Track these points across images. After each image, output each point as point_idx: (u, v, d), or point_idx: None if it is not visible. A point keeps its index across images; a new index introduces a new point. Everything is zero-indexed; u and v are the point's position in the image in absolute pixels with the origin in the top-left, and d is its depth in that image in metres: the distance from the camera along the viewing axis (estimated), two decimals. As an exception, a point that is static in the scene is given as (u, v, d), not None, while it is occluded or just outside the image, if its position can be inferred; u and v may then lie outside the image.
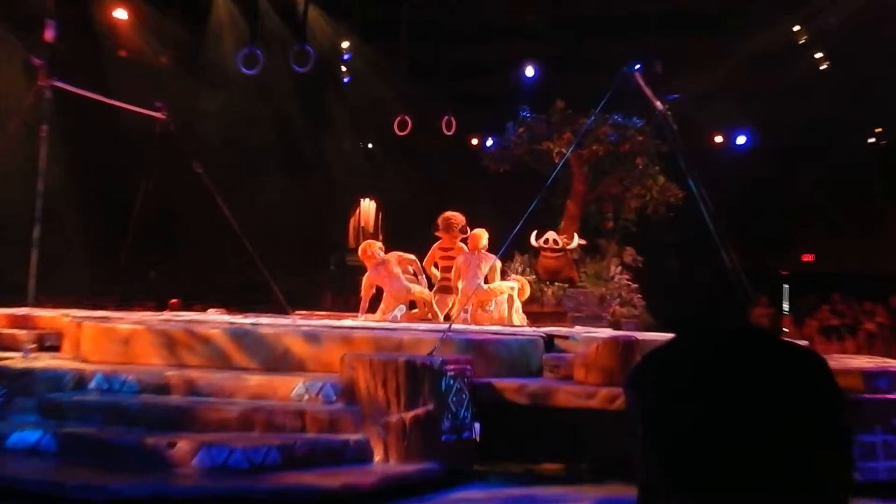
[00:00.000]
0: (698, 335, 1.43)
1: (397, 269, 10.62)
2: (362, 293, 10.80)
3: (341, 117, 19.52)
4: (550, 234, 14.26)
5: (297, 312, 11.75)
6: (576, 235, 14.34)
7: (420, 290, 10.77)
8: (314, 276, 18.99)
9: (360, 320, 10.30)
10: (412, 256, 10.99)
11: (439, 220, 11.51)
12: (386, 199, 20.14)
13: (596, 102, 10.35)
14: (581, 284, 14.54)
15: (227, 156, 16.75)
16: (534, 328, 9.41)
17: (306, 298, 14.92)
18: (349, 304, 14.42)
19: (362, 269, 11.03)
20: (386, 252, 10.89)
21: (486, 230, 10.85)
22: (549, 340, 8.23)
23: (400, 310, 10.52)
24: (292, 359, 7.78)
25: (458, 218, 11.46)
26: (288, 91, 18.01)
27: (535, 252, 14.61)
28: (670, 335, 1.49)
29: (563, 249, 14.25)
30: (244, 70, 14.92)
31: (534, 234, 14.06)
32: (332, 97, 19.13)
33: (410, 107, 16.73)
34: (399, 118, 16.29)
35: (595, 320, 13.37)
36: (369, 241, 11.50)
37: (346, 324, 9.18)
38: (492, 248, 10.55)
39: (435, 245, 11.52)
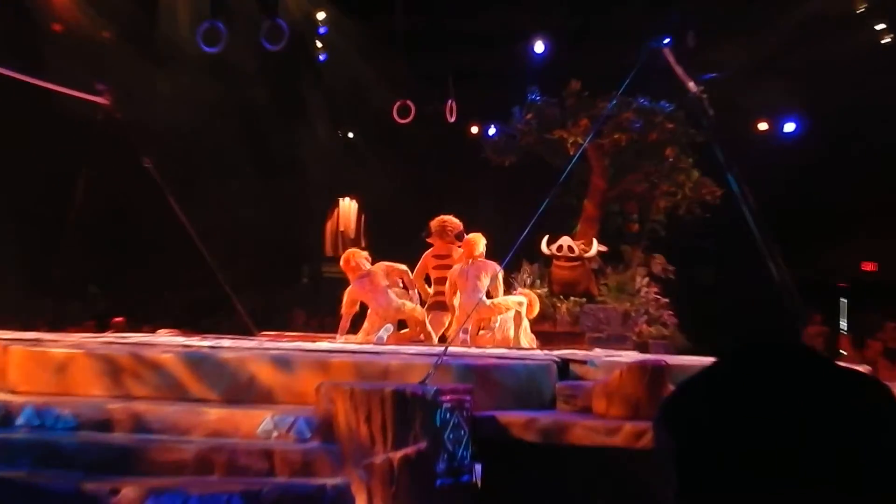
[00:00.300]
0: (741, 360, 1.41)
1: (385, 282, 10.62)
2: (343, 310, 10.78)
3: (317, 102, 19.51)
4: (565, 240, 14.25)
5: (263, 333, 11.73)
6: (595, 241, 14.33)
7: (411, 306, 10.76)
8: (284, 290, 18.98)
9: (339, 342, 10.27)
10: (403, 267, 10.99)
11: (432, 225, 11.51)
12: (369, 198, 20.13)
13: (618, 83, 10.36)
14: (601, 299, 14.53)
15: (183, 148, 16.72)
16: (545, 351, 9.40)
17: (275, 317, 14.91)
18: (325, 324, 14.39)
19: (342, 282, 11.02)
20: (373, 262, 10.88)
21: (488, 234, 10.84)
22: (564, 366, 8.21)
23: (386, 330, 10.50)
24: (258, 388, 7.75)
25: (453, 222, 11.46)
26: (255, 71, 18.00)
27: (547, 261, 14.59)
28: (708, 360, 1.47)
29: (579, 258, 14.23)
30: (204, 47, 14.92)
31: (545, 239, 14.04)
32: (307, 78, 19.13)
33: (398, 88, 16.72)
34: (399, 103, 16.30)
35: (618, 342, 13.35)
36: (353, 249, 11.50)
37: (322, 347, 9.15)
38: (495, 256, 10.54)
39: (427, 252, 11.50)
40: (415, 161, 18.74)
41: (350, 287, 10.77)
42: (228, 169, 18.14)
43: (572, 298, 14.37)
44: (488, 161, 16.11)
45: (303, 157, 19.41)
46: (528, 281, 14.58)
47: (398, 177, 18.57)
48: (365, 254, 11.01)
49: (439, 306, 11.05)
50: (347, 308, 10.76)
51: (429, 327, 10.77)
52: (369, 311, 10.72)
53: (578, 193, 15.37)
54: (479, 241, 10.75)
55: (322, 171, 19.50)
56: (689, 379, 1.40)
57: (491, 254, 10.71)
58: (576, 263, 14.27)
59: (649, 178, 15.48)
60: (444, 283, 10.87)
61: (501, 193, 16.16)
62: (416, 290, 11.09)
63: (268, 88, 18.70)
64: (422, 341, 10.58)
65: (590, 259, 14.39)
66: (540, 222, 8.70)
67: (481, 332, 10.73)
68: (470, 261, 10.63)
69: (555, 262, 14.38)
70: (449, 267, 10.95)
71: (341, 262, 10.94)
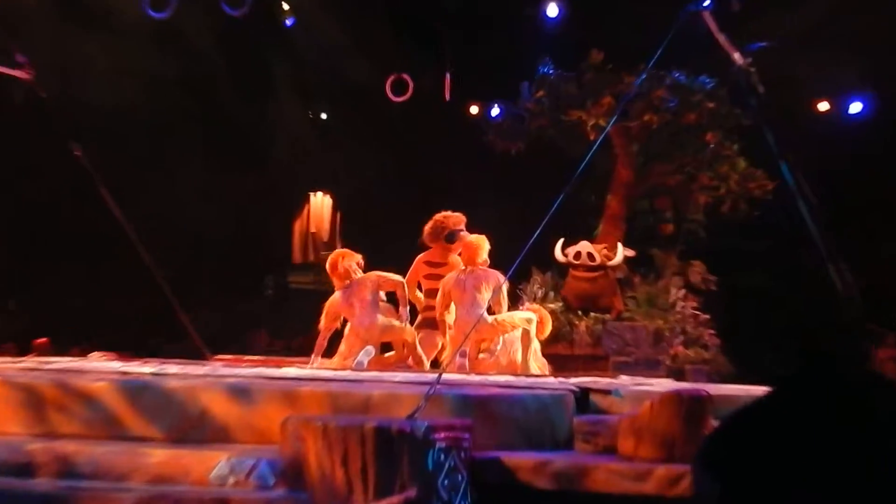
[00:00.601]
0: (797, 390, 1.40)
1: (369, 297, 10.56)
2: (321, 324, 10.75)
3: (283, 76, 19.51)
4: (584, 246, 14.25)
5: (218, 357, 11.71)
6: (620, 245, 14.33)
7: (399, 325, 10.71)
8: (243, 305, 18.95)
9: (313, 367, 10.26)
10: (398, 278, 10.90)
11: (427, 226, 11.48)
12: (346, 192, 20.12)
13: (648, 54, 10.35)
14: (628, 315, 14.54)
15: (122, 133, 16.71)
16: (560, 379, 9.39)
17: (232, 337, 14.88)
18: (293, 345, 14.39)
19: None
20: (366, 270, 10.85)
21: (490, 237, 10.82)
22: (583, 396, 8.21)
23: (367, 353, 10.47)
24: (212, 424, 7.73)
25: (449, 219, 11.41)
26: (210, 41, 17.99)
27: (562, 269, 14.59)
28: (757, 389, 1.46)
29: (601, 267, 14.23)
30: (150, 13, 14.92)
31: (559, 243, 14.04)
32: (271, 48, 19.11)
33: (382, 59, 16.71)
34: (394, 77, 16.26)
35: (648, 367, 13.36)
36: (344, 250, 11.29)
37: (289, 373, 9.13)
38: (498, 263, 10.52)
39: (419, 257, 11.48)
40: (401, 148, 18.72)
41: (332, 298, 10.75)
42: (176, 159, 18.11)
43: (593, 314, 14.37)
44: (491, 148, 16.12)
45: (266, 144, 19.41)
46: (539, 293, 14.60)
47: (381, 167, 18.56)
48: (358, 257, 10.95)
49: (431, 324, 11.02)
50: (327, 323, 10.73)
51: (419, 350, 10.74)
52: (347, 331, 10.67)
53: (600, 187, 15.39)
54: (483, 246, 10.70)
55: (289, 159, 19.49)
56: (735, 412, 1.38)
57: (493, 260, 10.69)
58: (597, 273, 14.26)
59: (686, 169, 15.50)
60: (436, 296, 10.84)
61: (507, 187, 16.17)
62: (406, 308, 10.99)
63: (224, 61, 18.68)
64: (410, 367, 10.56)
65: (614, 267, 14.38)
66: (553, 222, 8.67)
67: (482, 355, 10.71)
68: (468, 268, 10.60)
69: (571, 271, 14.38)
70: (444, 276, 10.91)
71: (327, 265, 10.90)
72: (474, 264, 10.56)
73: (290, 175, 19.77)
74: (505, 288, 10.59)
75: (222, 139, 18.89)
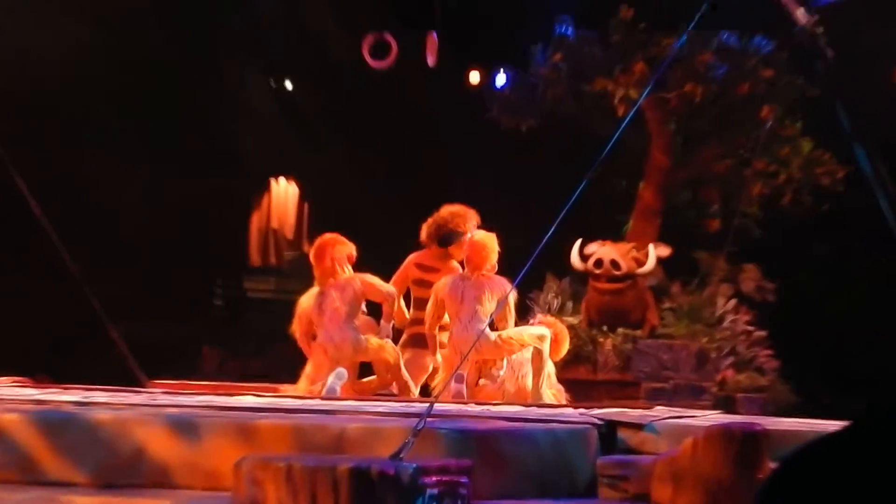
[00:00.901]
0: (877, 428, 1.39)
1: (346, 307, 10.51)
2: (295, 328, 10.72)
3: (238, 37, 19.49)
4: (606, 251, 14.17)
5: (156, 383, 11.71)
6: (651, 248, 14.28)
7: (376, 342, 10.66)
8: (188, 318, 18.93)
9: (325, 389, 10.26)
10: (389, 289, 10.85)
11: (427, 221, 11.45)
12: (315, 180, 20.11)
13: (689, 12, 10.35)
14: (665, 332, 14.53)
15: (40, 108, 16.70)
16: (580, 410, 9.40)
17: (173, 358, 14.87)
18: (249, 368, 14.38)
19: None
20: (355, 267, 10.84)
21: (494, 235, 10.80)
22: (609, 431, 8.22)
23: (339, 376, 10.42)
24: (149, 465, 7.73)
25: (456, 217, 11.35)
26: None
27: (581, 276, 14.57)
28: (826, 424, 1.45)
29: (629, 276, 14.16)
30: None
31: (576, 245, 13.98)
32: (226, 7, 19.11)
33: (358, 14, 16.71)
34: (374, 38, 16.25)
35: (690, 395, 13.36)
36: (334, 235, 11.17)
37: (244, 402, 9.14)
38: (504, 268, 10.51)
39: (410, 258, 11.44)
40: (384, 125, 18.70)
41: (305, 297, 10.71)
42: (106, 139, 18.08)
43: (621, 330, 14.35)
44: (496, 125, 16.11)
45: (217, 120, 19.36)
46: (555, 304, 14.58)
47: (358, 148, 18.54)
48: (351, 248, 10.87)
49: (420, 342, 10.99)
50: (302, 328, 10.68)
51: (405, 373, 10.72)
52: (314, 347, 10.61)
53: (631, 174, 15.40)
54: (493, 247, 10.64)
55: (246, 139, 19.47)
56: (797, 452, 1.37)
57: (499, 263, 10.67)
58: (623, 284, 14.19)
59: (737, 152, 15.50)
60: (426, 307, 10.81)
61: (515, 173, 16.16)
62: (390, 324, 10.92)
63: (167, 20, 18.65)
64: (394, 394, 10.55)
65: (646, 275, 14.33)
66: (572, 217, 8.66)
67: (483, 380, 10.70)
68: (475, 274, 10.56)
69: (592, 281, 14.32)
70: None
71: (312, 253, 10.83)
72: (479, 268, 10.51)
73: (247, 158, 19.73)
74: (512, 298, 10.57)
75: (163, 113, 18.85)
